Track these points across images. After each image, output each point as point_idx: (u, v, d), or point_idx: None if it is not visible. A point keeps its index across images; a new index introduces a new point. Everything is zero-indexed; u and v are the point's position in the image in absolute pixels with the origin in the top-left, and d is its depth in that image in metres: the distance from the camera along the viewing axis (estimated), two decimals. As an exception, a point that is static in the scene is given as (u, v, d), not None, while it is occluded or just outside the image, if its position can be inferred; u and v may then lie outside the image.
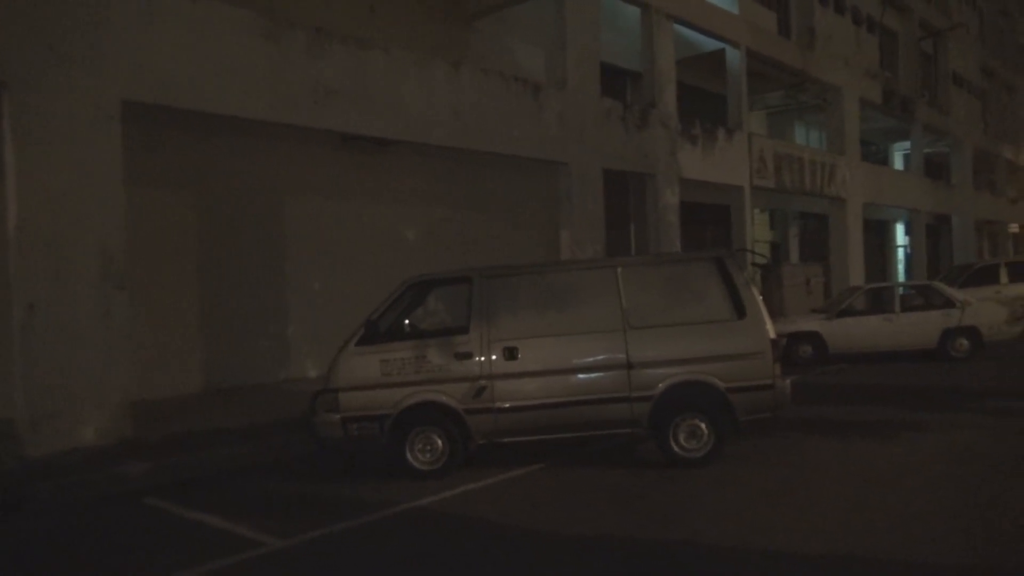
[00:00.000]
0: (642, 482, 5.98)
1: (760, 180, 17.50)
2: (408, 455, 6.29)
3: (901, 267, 31.08)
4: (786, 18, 20.23)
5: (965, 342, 12.29)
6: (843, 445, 6.91)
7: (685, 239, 15.47)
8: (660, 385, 6.26)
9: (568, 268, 7.13)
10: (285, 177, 11.49)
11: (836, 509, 5.13)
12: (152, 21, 7.88)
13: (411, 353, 6.32)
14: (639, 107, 14.48)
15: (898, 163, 31.60)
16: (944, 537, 4.50)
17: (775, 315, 7.20)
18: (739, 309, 6.38)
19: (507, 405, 6.28)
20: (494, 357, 6.30)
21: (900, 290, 13.53)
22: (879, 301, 14.02)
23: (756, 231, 19.08)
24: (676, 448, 6.29)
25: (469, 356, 6.30)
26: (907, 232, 29.51)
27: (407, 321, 6.73)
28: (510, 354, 6.28)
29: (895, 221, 30.56)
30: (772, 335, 6.35)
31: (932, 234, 28.98)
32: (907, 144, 28.26)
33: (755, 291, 6.57)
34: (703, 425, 6.29)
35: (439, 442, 6.30)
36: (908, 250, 29.75)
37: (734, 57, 17.29)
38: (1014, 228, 35.19)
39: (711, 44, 17.18)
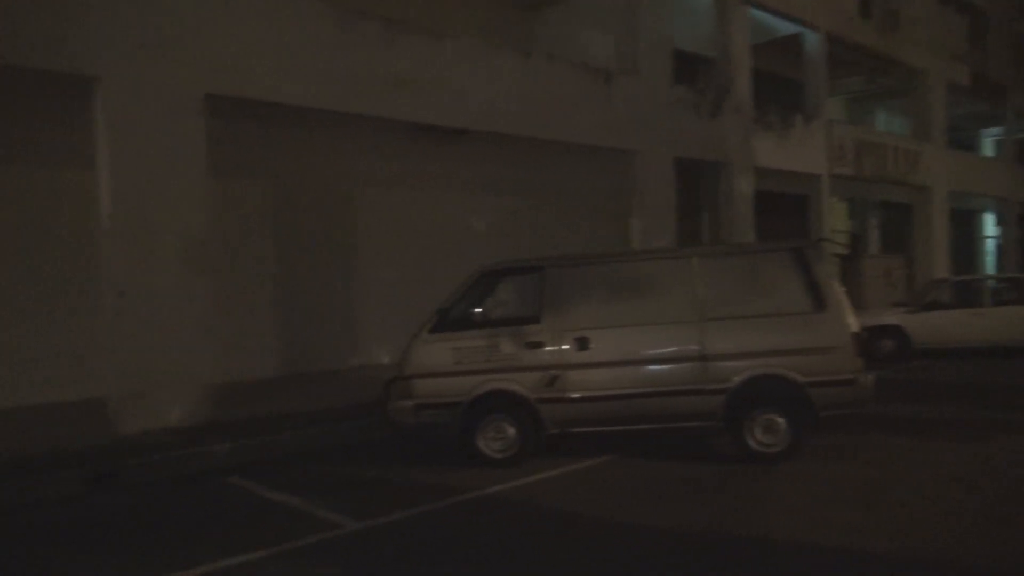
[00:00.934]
0: (716, 476, 5.87)
1: (839, 168, 16.91)
2: (480, 442, 6.33)
3: (990, 259, 29.59)
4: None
5: (1061, 338, 11.63)
6: (927, 444, 6.64)
7: (759, 229, 15.08)
8: (736, 378, 6.13)
9: (641, 258, 7.05)
10: (357, 167, 11.68)
11: (920, 511, 4.92)
12: (231, 15, 8.10)
13: (483, 342, 6.35)
14: (712, 94, 14.15)
15: (988, 150, 30.06)
16: (1042, 543, 4.28)
17: (855, 308, 6.90)
18: (819, 301, 6.18)
19: (579, 395, 6.26)
20: (566, 347, 6.27)
21: (991, 283, 12.88)
22: (967, 294, 13.37)
23: (834, 221, 18.46)
24: (752, 443, 6.15)
25: (540, 345, 6.30)
26: (998, 222, 28.06)
27: (478, 310, 6.74)
28: (582, 344, 6.25)
29: (984, 211, 29.09)
30: (855, 328, 6.13)
31: (1024, 224, 27.47)
32: (998, 130, 26.86)
33: (836, 283, 6.36)
34: (781, 420, 6.12)
35: (510, 430, 6.32)
36: (998, 241, 28.28)
37: (812, 41, 16.72)
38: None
39: (788, 28, 16.65)
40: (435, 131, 11.31)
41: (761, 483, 5.64)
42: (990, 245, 29.85)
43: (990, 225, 29.72)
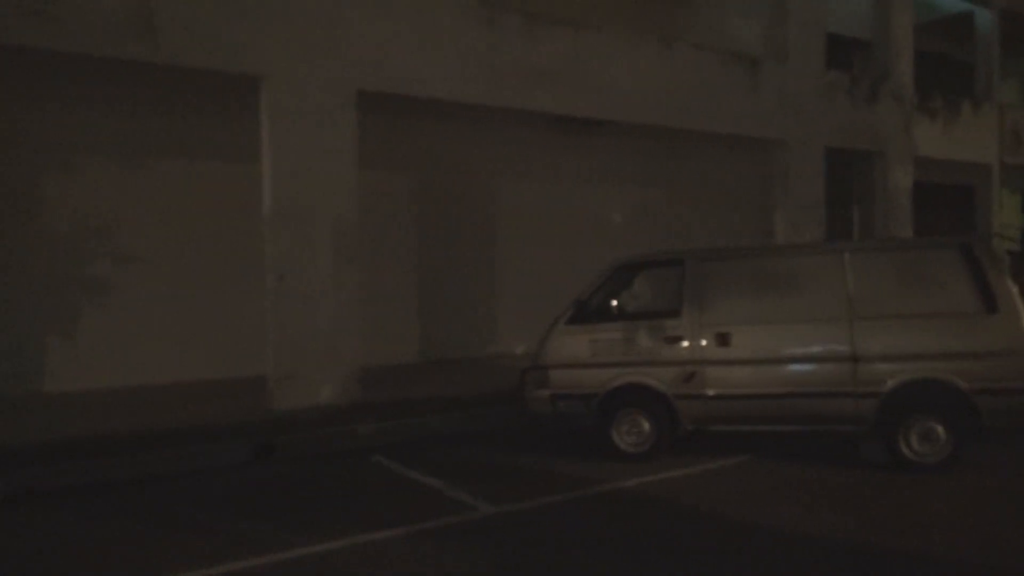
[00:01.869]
0: (866, 484, 5.55)
1: (1012, 157, 15.46)
2: (614, 436, 6.30)
3: None
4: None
5: None
6: (1117, 464, 5.97)
7: (917, 223, 14.06)
8: (890, 381, 5.77)
9: (788, 252, 6.74)
10: (497, 160, 11.89)
11: (1109, 536, 4.45)
12: (382, 14, 8.44)
13: (620, 334, 6.31)
14: (868, 79, 13.29)
15: None
16: None
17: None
18: (989, 302, 5.70)
19: (718, 392, 6.10)
20: (705, 343, 6.13)
21: None
22: None
23: (1005, 215, 16.90)
24: (907, 451, 5.77)
25: (679, 340, 6.18)
26: None
27: (615, 302, 6.70)
28: (722, 340, 6.08)
29: None
30: (1031, 333, 5.60)
31: None
32: None
33: (1010, 282, 5.83)
34: (940, 428, 5.71)
35: (645, 425, 6.25)
36: None
37: (984, 19, 15.35)
38: None
39: (957, 6, 15.35)
40: (574, 122, 11.31)
41: (917, 495, 5.27)
42: None
43: None
